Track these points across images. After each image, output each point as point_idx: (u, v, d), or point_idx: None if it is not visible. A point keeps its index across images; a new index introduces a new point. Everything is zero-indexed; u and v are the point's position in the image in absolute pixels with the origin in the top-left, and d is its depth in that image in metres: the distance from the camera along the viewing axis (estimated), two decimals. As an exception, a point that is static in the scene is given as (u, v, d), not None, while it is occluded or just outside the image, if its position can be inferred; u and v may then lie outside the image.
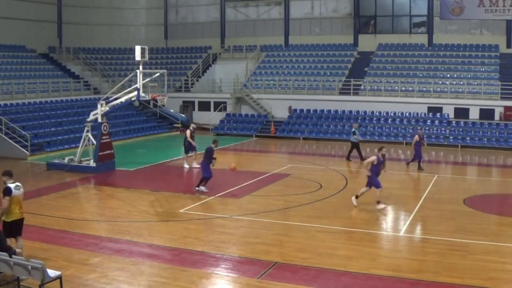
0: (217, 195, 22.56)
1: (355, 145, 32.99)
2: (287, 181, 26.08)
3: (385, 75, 48.17)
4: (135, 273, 13.85)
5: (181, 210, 20.12)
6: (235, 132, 45.32)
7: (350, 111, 45.66)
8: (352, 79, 47.31)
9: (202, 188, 23.17)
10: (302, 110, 46.69)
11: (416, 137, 30.52)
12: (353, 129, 33.48)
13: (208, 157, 23.26)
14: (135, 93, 27.67)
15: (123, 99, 28.69)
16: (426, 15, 52.19)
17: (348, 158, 33.33)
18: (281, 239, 16.68)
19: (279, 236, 16.94)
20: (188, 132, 29.78)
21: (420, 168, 30.00)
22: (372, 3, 53.73)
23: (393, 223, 19.70)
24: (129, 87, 30.76)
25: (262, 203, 21.14)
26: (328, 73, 49.93)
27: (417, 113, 44.25)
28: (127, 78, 35.53)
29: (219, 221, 18.77)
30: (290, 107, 47.18)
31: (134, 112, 47.30)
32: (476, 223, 18.98)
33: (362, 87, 47.11)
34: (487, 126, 41.78)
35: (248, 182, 25.16)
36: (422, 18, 53.02)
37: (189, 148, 29.88)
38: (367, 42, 52.90)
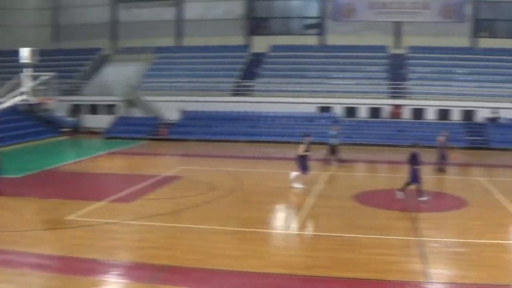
0: (107, 200, 22.05)
1: (333, 148, 32.80)
2: (178, 183, 25.86)
3: (277, 76, 48.76)
4: (24, 285, 13.27)
5: (70, 217, 19.48)
6: (126, 135, 44.53)
7: (242, 112, 45.91)
8: (244, 80, 47.60)
9: None
10: (193, 112, 46.55)
11: (442, 138, 30.75)
12: (332, 132, 33.29)
13: None
14: (22, 97, 26.75)
15: (8, 103, 27.68)
16: (318, 17, 53.23)
17: (331, 161, 32.90)
18: (173, 242, 16.49)
19: (170, 239, 16.75)
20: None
21: (442, 170, 30.29)
22: (265, 5, 54.38)
23: (284, 222, 19.89)
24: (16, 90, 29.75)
25: (153, 207, 20.84)
26: (221, 74, 50.06)
27: (308, 113, 45.02)
28: (11, 82, 34.24)
29: (109, 227, 18.33)
30: (182, 109, 46.92)
31: (21, 116, 45.61)
32: (365, 218, 19.50)
33: (255, 88, 47.47)
34: (375, 124, 43.01)
35: (139, 186, 24.74)
36: (314, 20, 54.12)
37: None
38: (260, 43, 53.47)
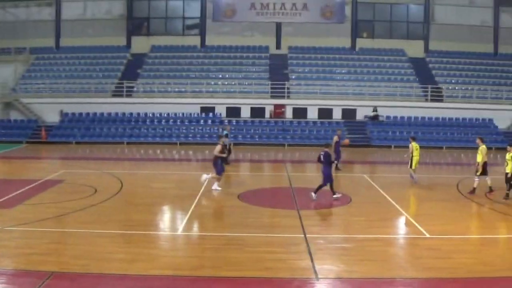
0: (-15, 206, 21.26)
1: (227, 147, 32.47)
2: (60, 187, 25.23)
3: (159, 76, 48.63)
4: None
5: None
6: (3, 139, 42.85)
7: (124, 114, 45.47)
8: (125, 81, 47.12)
9: None
10: (74, 114, 45.66)
11: (336, 138, 30.93)
12: (225, 132, 33.14)
13: None
14: None
15: None
16: (199, 17, 53.33)
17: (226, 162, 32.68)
18: (57, 247, 16.12)
19: (54, 245, 16.35)
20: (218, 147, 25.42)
21: (337, 168, 30.40)
22: (145, 5, 53.91)
23: (170, 223, 19.94)
24: None
25: (35, 212, 20.26)
26: (101, 75, 49.32)
27: (190, 114, 45.24)
28: None
29: (-10, 234, 17.76)
30: (61, 111, 45.83)
31: None
32: (250, 217, 19.82)
33: (135, 89, 47.12)
34: (258, 123, 43.74)
35: (19, 191, 23.93)
36: (195, 20, 54.28)
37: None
38: (140, 44, 53.04)
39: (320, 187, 22.52)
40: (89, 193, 23.55)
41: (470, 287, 13.27)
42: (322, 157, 22.47)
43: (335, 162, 30.39)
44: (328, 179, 22.32)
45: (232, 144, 33.62)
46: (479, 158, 24.09)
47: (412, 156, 26.56)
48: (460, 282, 13.38)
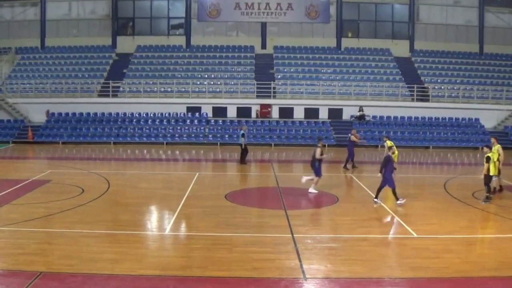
0: (-28, 207, 21.16)
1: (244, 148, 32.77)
2: (47, 187, 25.13)
3: (144, 76, 48.54)
4: None
5: None
6: (-11, 138, 42.62)
7: (110, 113, 45.38)
8: (111, 81, 47.01)
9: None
10: (60, 114, 45.45)
11: (353, 137, 31.36)
12: (242, 131, 33.00)
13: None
14: None
15: None
16: (184, 17, 53.31)
17: (242, 162, 32.91)
18: (45, 247, 16.07)
19: (42, 245, 16.30)
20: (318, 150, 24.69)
21: (345, 168, 31.03)
22: (130, 5, 53.82)
23: (157, 223, 19.89)
24: None
25: (22, 212, 20.18)
26: (87, 75, 49.16)
27: (177, 113, 45.23)
28: None
29: (-23, 234, 17.67)
30: (47, 111, 45.62)
31: None
32: (238, 217, 19.87)
33: (121, 88, 47.02)
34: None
35: (6, 191, 23.84)
36: (180, 20, 54.25)
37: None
38: (126, 44, 52.92)
39: (379, 189, 22.27)
40: (76, 193, 23.49)
41: (457, 287, 13.35)
42: (384, 160, 22.22)
43: (352, 162, 31.30)
44: (390, 183, 21.91)
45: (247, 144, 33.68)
46: (497, 157, 23.49)
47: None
48: (448, 282, 13.46)
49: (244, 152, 32.77)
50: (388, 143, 26.29)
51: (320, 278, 13.72)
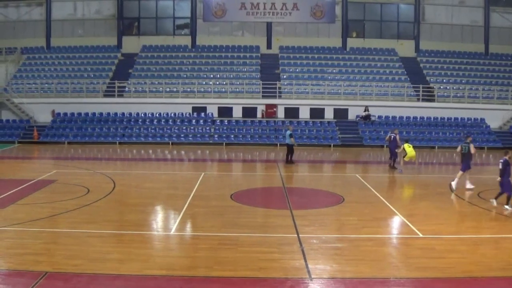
0: (-23, 207, 21.17)
1: (291, 148, 32.88)
2: (53, 187, 25.15)
3: (150, 76, 48.57)
4: None
5: None
6: (-5, 138, 42.73)
7: (115, 113, 45.42)
8: (116, 81, 47.06)
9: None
10: (66, 114, 45.53)
11: (397, 137, 31.39)
12: (289, 132, 33.12)
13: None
14: None
15: None
16: (190, 17, 53.33)
17: (288, 161, 32.95)
18: (50, 247, 16.08)
19: (48, 245, 16.31)
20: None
21: (392, 167, 31.10)
22: (135, 5, 53.87)
23: (163, 223, 19.87)
24: None
25: (28, 212, 20.21)
26: (92, 75, 49.23)
27: (182, 113, 45.23)
28: None
29: (-18, 234, 17.69)
30: (53, 111, 45.70)
31: None
32: (243, 217, 19.80)
33: (127, 89, 47.06)
34: (250, 123, 43.77)
35: (12, 191, 23.87)
36: (186, 20, 54.25)
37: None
38: (131, 44, 52.96)
39: (499, 194, 21.72)
40: (81, 193, 23.51)
41: (463, 287, 13.32)
42: (501, 165, 21.46)
43: (394, 162, 31.19)
44: (506, 188, 21.29)
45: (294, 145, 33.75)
46: None
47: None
48: (453, 282, 13.42)
49: (290, 151, 32.90)
50: (406, 146, 27.00)
51: (326, 278, 13.68)
